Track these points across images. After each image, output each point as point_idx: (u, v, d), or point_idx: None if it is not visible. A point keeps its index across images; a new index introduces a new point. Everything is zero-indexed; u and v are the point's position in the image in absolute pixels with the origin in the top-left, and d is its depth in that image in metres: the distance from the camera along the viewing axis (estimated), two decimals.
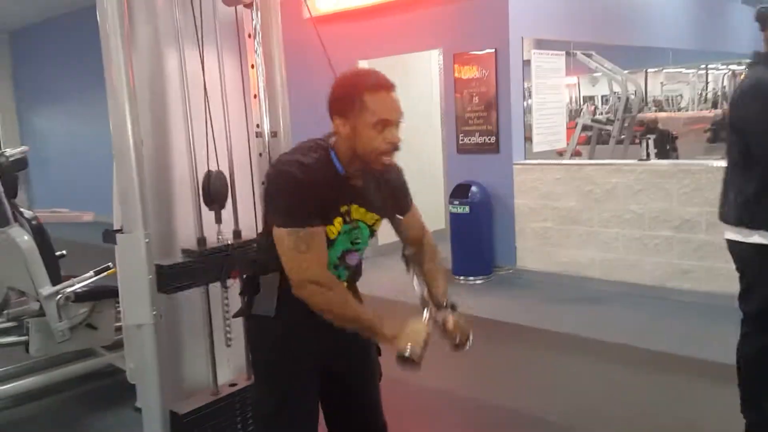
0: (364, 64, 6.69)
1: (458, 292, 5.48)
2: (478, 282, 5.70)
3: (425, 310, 1.84)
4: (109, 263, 3.67)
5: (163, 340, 2.44)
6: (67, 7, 9.40)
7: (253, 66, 2.51)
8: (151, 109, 2.55)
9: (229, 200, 2.62)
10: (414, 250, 2.05)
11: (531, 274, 5.67)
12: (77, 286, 3.50)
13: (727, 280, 4.61)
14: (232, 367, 2.76)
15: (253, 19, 2.46)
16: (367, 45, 6.42)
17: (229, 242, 2.59)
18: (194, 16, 2.50)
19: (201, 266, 2.50)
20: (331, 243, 1.81)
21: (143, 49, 2.52)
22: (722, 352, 3.79)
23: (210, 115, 2.53)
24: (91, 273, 3.61)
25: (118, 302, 3.71)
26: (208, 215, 2.58)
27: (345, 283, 1.92)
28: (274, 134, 2.65)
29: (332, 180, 1.76)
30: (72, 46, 9.98)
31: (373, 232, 1.93)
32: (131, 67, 2.25)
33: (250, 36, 2.50)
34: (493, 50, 5.61)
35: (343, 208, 1.81)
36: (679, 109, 17.73)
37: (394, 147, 1.76)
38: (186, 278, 2.47)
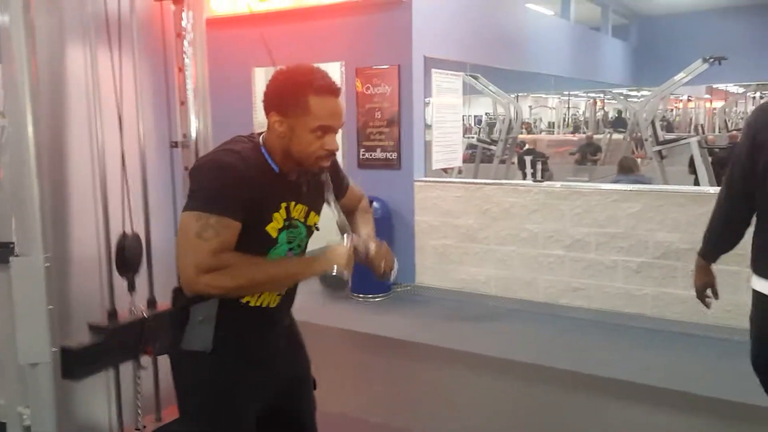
0: (260, 72, 6.45)
1: (357, 310, 5.40)
2: (377, 299, 5.63)
3: (345, 236, 1.72)
4: None
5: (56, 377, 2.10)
6: None
7: (181, 69, 2.25)
8: (50, 114, 2.20)
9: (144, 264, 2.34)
10: (348, 216, 1.95)
11: (430, 291, 5.69)
12: None
13: (615, 298, 4.92)
14: (137, 408, 2.44)
15: (183, 17, 2.20)
16: (265, 53, 6.17)
17: (144, 314, 2.29)
18: (106, 10, 2.20)
19: (113, 345, 2.20)
20: (274, 242, 1.64)
21: (43, 43, 2.18)
22: (614, 368, 4.01)
23: (126, 170, 2.22)
24: None
25: None
26: (119, 283, 2.28)
27: (282, 293, 1.74)
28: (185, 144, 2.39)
29: (268, 177, 1.62)
30: None
31: (310, 231, 1.78)
32: (35, 61, 1.93)
33: (179, 35, 2.24)
34: (397, 66, 5.60)
35: (283, 204, 1.66)
36: (539, 132, 19.01)
37: (332, 153, 1.65)
38: (97, 361, 2.17)
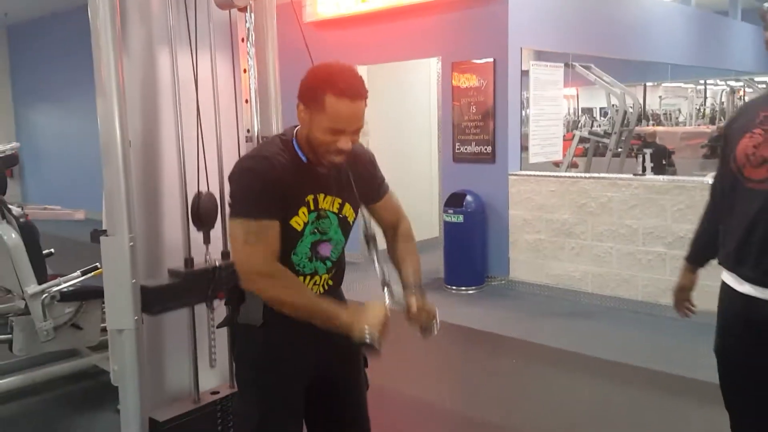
0: (362, 70, 6.68)
1: (450, 302, 5.46)
2: (470, 292, 5.67)
3: (386, 291, 1.78)
4: (97, 263, 3.64)
5: (145, 345, 2.40)
6: (67, 2, 9.35)
7: (245, 70, 2.47)
8: (141, 113, 2.52)
9: (219, 220, 2.58)
10: (388, 236, 2.00)
11: (523, 285, 5.64)
12: (63, 285, 3.46)
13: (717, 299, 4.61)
14: (215, 374, 2.71)
15: (246, 23, 2.43)
16: (367, 51, 6.40)
17: (217, 263, 2.54)
18: (188, 19, 2.47)
19: (187, 287, 2.46)
20: (299, 235, 1.76)
21: (135, 51, 2.49)
22: (711, 371, 3.78)
23: (201, 130, 2.49)
24: (78, 273, 3.58)
25: (104, 303, 3.69)
26: (196, 235, 2.54)
27: (325, 278, 1.86)
28: (263, 140, 2.62)
29: (295, 169, 1.73)
30: (69, 43, 9.93)
31: (344, 222, 1.86)
32: (121, 67, 2.22)
33: (243, 40, 2.47)
34: (492, 60, 5.59)
35: (309, 197, 1.76)
36: (677, 124, 17.81)
37: (342, 153, 1.72)
38: (172, 300, 2.44)
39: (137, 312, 2.31)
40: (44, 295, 3.37)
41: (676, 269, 4.74)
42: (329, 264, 1.88)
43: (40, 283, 3.42)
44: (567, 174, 6.30)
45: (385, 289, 1.81)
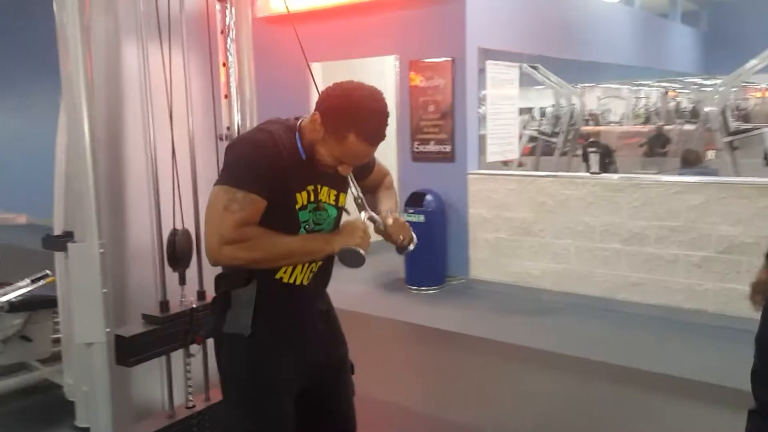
0: (317, 67, 6.56)
1: (412, 302, 5.43)
2: (431, 292, 5.64)
3: (362, 212, 1.76)
4: (47, 271, 3.42)
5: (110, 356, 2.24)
6: None
7: (224, 64, 2.34)
8: (106, 110, 2.35)
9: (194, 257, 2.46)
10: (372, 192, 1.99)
11: (483, 284, 5.66)
12: (11, 295, 3.24)
13: (675, 293, 4.76)
14: (190, 387, 2.56)
15: (227, 15, 2.30)
16: (322, 47, 6.28)
17: (194, 305, 2.42)
18: (157, 10, 2.32)
19: (164, 334, 2.33)
20: (295, 214, 1.70)
21: (100, 42, 2.32)
22: (672, 365, 3.89)
23: (176, 164, 2.34)
24: (27, 281, 3.36)
25: (56, 312, 3.46)
26: (170, 276, 2.41)
27: (314, 270, 1.80)
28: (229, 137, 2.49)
29: (295, 159, 1.67)
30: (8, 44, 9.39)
31: (339, 213, 1.83)
32: (90, 60, 2.06)
33: (222, 32, 2.34)
34: (450, 59, 5.59)
35: (310, 187, 1.72)
36: (610, 123, 18.42)
37: (338, 172, 1.71)
38: (148, 348, 2.29)
39: (108, 324, 2.15)
40: None
41: (633, 265, 4.93)
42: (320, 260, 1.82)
43: None
44: (526, 173, 6.37)
45: (362, 211, 1.77)
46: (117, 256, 2.35)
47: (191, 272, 2.46)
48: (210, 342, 2.40)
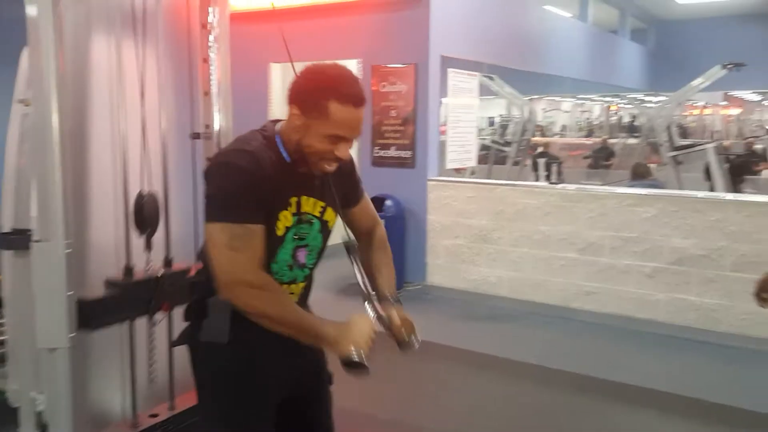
0: (276, 68, 6.47)
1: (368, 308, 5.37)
2: None
3: (367, 304, 1.70)
4: None
5: (74, 363, 2.12)
6: None
7: (205, 60, 2.26)
8: (74, 105, 2.22)
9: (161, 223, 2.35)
10: (362, 242, 1.90)
11: (440, 290, 5.68)
12: None
13: (627, 303, 4.89)
14: (153, 395, 2.46)
15: (209, 9, 2.21)
16: (283, 48, 6.17)
17: (160, 272, 2.31)
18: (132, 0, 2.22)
19: (128, 299, 2.22)
20: (280, 240, 1.64)
21: (69, 34, 2.20)
22: (625, 373, 3.99)
23: (145, 122, 2.24)
24: None
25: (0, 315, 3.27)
26: (136, 241, 2.30)
27: (302, 286, 1.77)
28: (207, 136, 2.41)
29: (279, 168, 1.60)
30: None
31: (326, 228, 1.76)
32: (62, 51, 1.95)
33: (204, 26, 2.25)
34: (413, 65, 5.60)
35: (292, 199, 1.65)
36: (554, 135, 18.96)
37: (340, 160, 1.63)
38: (111, 314, 2.18)
39: (73, 328, 2.03)
40: None
41: (588, 274, 5.04)
42: (307, 272, 1.78)
43: None
44: (486, 181, 6.43)
45: (367, 303, 1.72)
46: (79, 216, 2.23)
47: (158, 238, 2.36)
48: (177, 350, 2.33)
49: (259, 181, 1.55)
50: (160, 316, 2.32)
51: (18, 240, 2.23)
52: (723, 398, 3.60)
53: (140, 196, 2.26)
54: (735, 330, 4.43)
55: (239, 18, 6.19)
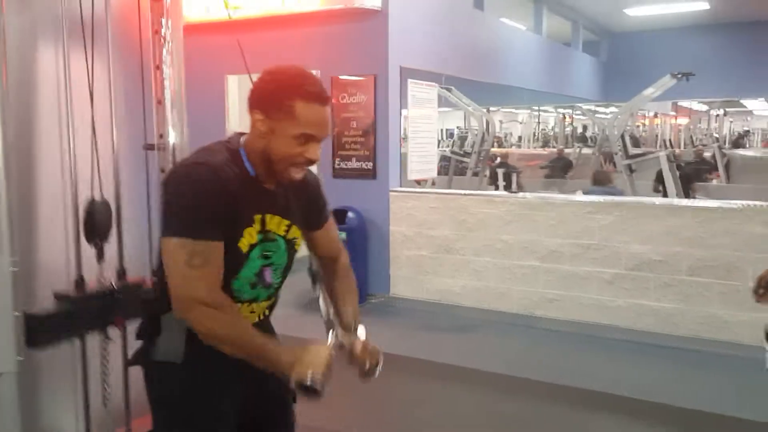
0: (233, 80, 6.38)
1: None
2: None
3: (330, 333, 1.66)
4: None
5: (22, 387, 2.01)
6: None
7: (158, 67, 2.18)
8: (18, 114, 2.12)
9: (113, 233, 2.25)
10: (326, 269, 1.87)
11: (404, 302, 5.65)
12: None
13: (589, 309, 4.94)
14: (108, 420, 2.35)
15: (163, 14, 2.14)
16: (239, 59, 6.09)
17: (113, 284, 2.21)
18: (81, 7, 2.13)
19: (79, 314, 2.11)
20: (244, 258, 1.57)
21: (13, 41, 2.10)
22: (588, 379, 4.01)
23: (94, 125, 2.15)
24: None
25: None
26: (87, 252, 2.19)
27: (264, 305, 1.70)
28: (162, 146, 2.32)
29: (243, 184, 1.54)
30: None
31: (291, 247, 1.70)
32: (5, 62, 1.85)
33: (156, 32, 2.17)
34: (373, 76, 5.59)
35: (257, 217, 1.58)
36: (511, 146, 19.27)
37: (310, 163, 1.58)
38: (61, 329, 2.08)
39: (20, 351, 1.92)
40: None
41: (549, 281, 5.07)
42: (272, 291, 1.71)
43: None
44: (447, 191, 6.45)
45: (330, 330, 1.68)
46: (25, 228, 2.11)
47: (111, 249, 2.26)
48: (132, 371, 2.23)
49: (220, 196, 1.48)
50: (113, 332, 2.21)
51: None
52: (684, 401, 3.65)
53: (91, 203, 2.16)
54: (692, 333, 4.51)
55: (194, 29, 6.09)
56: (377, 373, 1.72)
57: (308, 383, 1.45)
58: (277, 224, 1.64)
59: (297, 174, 1.58)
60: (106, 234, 2.23)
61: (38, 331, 1.99)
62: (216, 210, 1.48)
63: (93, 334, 2.22)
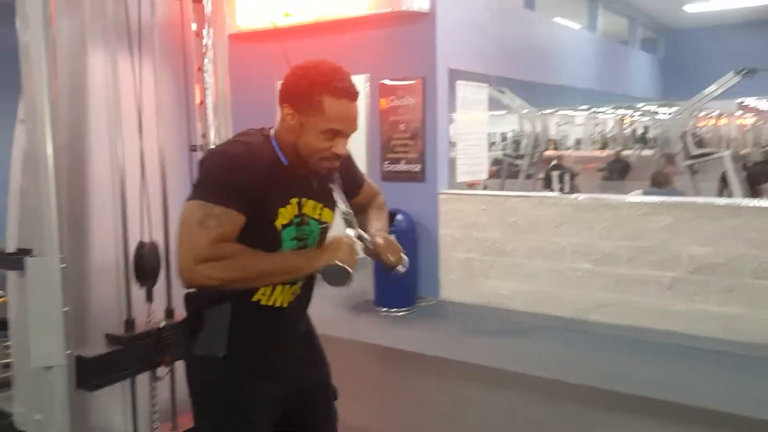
0: None
1: (381, 324, 5.31)
2: (401, 314, 5.53)
3: (348, 229, 1.64)
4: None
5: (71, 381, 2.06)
6: None
7: (200, 68, 2.22)
8: (69, 121, 2.19)
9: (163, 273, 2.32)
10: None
11: (454, 305, 5.58)
12: None
13: (645, 314, 4.76)
14: (153, 415, 2.39)
15: (205, 16, 2.18)
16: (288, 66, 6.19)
17: (162, 324, 2.26)
18: (127, 12, 2.19)
19: (129, 355, 2.16)
20: (280, 240, 1.58)
21: (63, 48, 2.18)
22: (644, 386, 3.86)
23: (145, 173, 2.20)
24: None
25: (5, 336, 3.24)
26: (136, 293, 2.25)
27: (300, 284, 1.69)
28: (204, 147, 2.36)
29: (276, 167, 1.56)
30: None
31: (324, 230, 1.72)
32: (55, 68, 1.92)
33: (197, 35, 2.22)
34: (421, 78, 5.57)
35: (293, 200, 1.60)
36: (568, 148, 18.84)
37: (337, 158, 1.59)
38: (112, 371, 2.12)
39: (69, 345, 1.98)
40: None
41: (604, 285, 4.92)
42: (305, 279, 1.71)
43: None
44: (497, 193, 6.35)
45: (349, 228, 1.65)
46: (78, 270, 2.17)
47: (159, 289, 2.30)
48: (178, 366, 2.27)
49: (253, 171, 1.51)
50: (162, 370, 2.26)
51: (14, 260, 2.18)
52: (747, 410, 3.47)
53: (140, 246, 2.22)
54: (757, 339, 4.28)
55: (246, 38, 6.22)
56: (402, 269, 1.70)
57: (336, 262, 1.49)
58: (312, 208, 1.66)
59: (328, 165, 1.59)
60: (155, 276, 2.27)
61: (89, 373, 2.04)
62: (245, 185, 1.49)
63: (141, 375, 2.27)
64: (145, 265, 2.21)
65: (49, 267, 1.96)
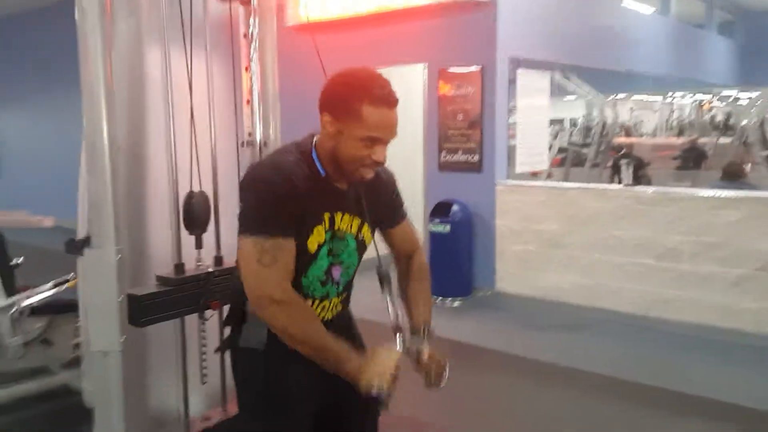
0: None
1: (436, 314, 5.26)
2: (456, 304, 5.54)
3: (397, 337, 1.65)
4: (72, 273, 3.41)
5: (129, 366, 2.19)
6: (36, 1, 9.00)
7: (247, 69, 2.29)
8: (128, 114, 2.31)
9: (211, 223, 2.40)
10: (400, 267, 1.87)
11: (510, 297, 5.53)
12: (34, 298, 3.23)
13: (710, 312, 4.58)
14: (205, 399, 2.51)
15: (250, 18, 2.25)
16: (350, 55, 6.22)
17: (210, 270, 2.35)
18: (181, 13, 2.28)
19: (177, 296, 2.25)
20: (313, 257, 1.62)
21: (122, 46, 2.29)
22: (705, 385, 3.73)
23: (194, 126, 2.30)
24: (50, 284, 3.36)
25: (78, 316, 3.46)
26: (186, 239, 2.35)
27: (335, 301, 1.74)
28: (264, 144, 2.45)
29: (313, 183, 1.58)
30: (36, 43, 9.57)
31: (361, 245, 1.73)
32: (110, 66, 2.03)
33: (245, 36, 2.29)
34: (480, 68, 5.50)
35: (325, 215, 1.62)
36: (643, 135, 18.09)
37: (376, 165, 1.60)
38: (161, 309, 2.22)
39: (123, 332, 2.10)
40: (13, 309, 3.14)
41: (666, 281, 4.76)
42: (341, 288, 1.76)
43: (8, 296, 3.18)
44: (555, 184, 6.23)
45: (398, 335, 1.68)
46: (134, 217, 2.29)
47: (209, 237, 2.41)
48: (227, 355, 2.36)
49: (291, 197, 1.54)
50: (209, 313, 2.35)
51: (78, 247, 2.32)
52: None
53: (190, 195, 2.32)
54: None
55: (305, 28, 6.29)
56: (443, 382, 1.72)
57: (373, 393, 1.46)
58: (348, 223, 1.67)
59: (367, 174, 1.61)
60: (205, 223, 2.38)
61: (139, 310, 2.15)
62: (287, 210, 1.53)
63: (190, 315, 2.37)
64: (194, 213, 2.31)
65: (106, 258, 2.08)
